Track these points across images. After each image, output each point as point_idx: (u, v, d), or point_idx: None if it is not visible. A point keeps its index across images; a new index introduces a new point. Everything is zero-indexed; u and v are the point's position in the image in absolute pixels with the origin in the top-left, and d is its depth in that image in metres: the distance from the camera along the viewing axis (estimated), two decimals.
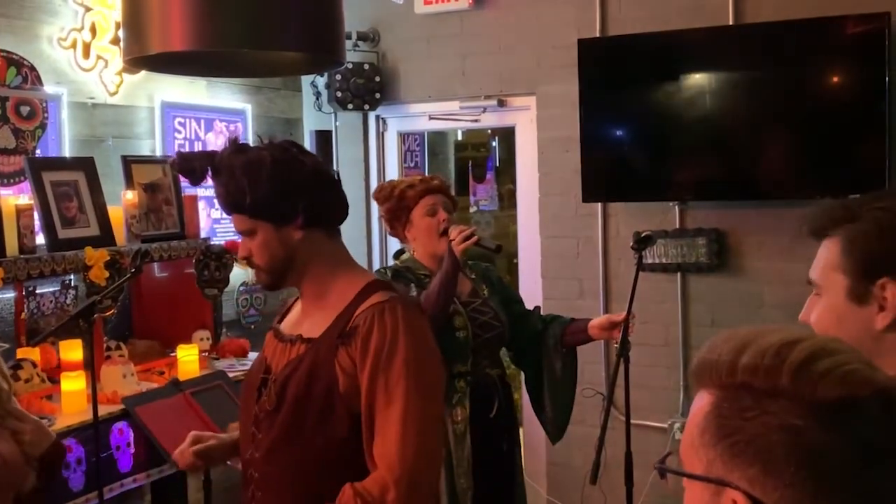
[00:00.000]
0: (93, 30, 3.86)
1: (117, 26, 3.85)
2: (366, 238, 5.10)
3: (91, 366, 2.96)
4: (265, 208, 1.96)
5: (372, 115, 5.07)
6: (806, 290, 1.43)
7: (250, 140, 4.73)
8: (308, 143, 5.17)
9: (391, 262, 3.34)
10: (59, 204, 3.40)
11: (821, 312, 1.38)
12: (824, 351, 0.86)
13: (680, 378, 4.25)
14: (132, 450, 3.15)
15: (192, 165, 2.03)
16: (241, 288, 4.62)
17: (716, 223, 4.16)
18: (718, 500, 0.86)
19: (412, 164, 5.30)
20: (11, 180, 3.49)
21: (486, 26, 4.65)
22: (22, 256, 3.15)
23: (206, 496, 3.01)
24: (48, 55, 3.71)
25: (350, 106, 4.81)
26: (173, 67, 3.28)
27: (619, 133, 4.31)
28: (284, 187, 1.96)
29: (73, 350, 3.34)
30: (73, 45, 3.79)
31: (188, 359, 3.60)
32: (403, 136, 5.21)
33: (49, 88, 3.66)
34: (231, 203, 1.99)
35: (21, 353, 3.33)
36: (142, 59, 2.87)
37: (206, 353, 3.80)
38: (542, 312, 3.37)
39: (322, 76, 4.86)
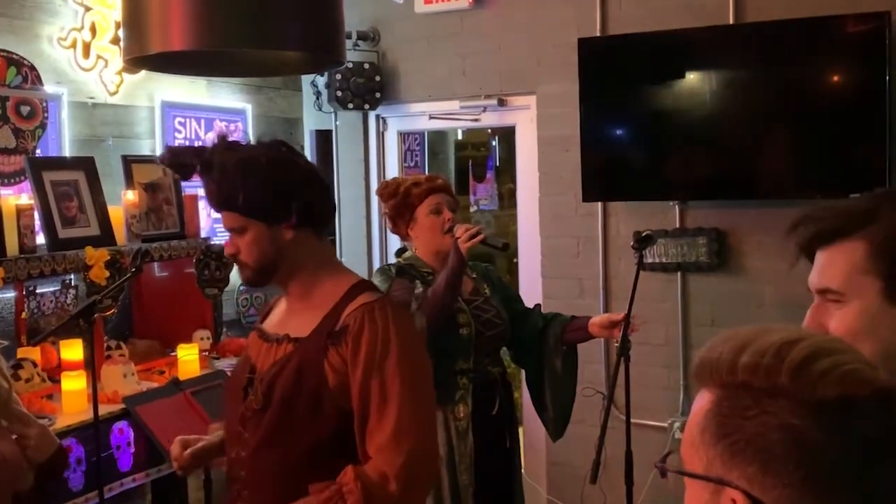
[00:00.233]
0: (93, 29, 3.86)
1: (117, 26, 3.85)
2: (366, 236, 5.10)
3: (91, 365, 2.96)
4: (259, 207, 1.97)
5: (372, 115, 5.07)
6: (806, 289, 1.40)
7: (250, 140, 4.75)
8: (308, 143, 5.18)
9: (392, 260, 3.34)
10: (59, 203, 3.40)
11: (849, 319, 1.30)
12: (824, 350, 0.86)
13: (680, 377, 4.25)
14: (132, 449, 3.15)
15: (183, 160, 2.03)
16: (242, 288, 4.62)
17: (716, 223, 4.15)
18: (718, 498, 0.87)
19: (412, 164, 5.30)
20: (12, 180, 3.49)
21: (486, 25, 4.65)
22: (22, 256, 3.15)
23: (206, 495, 3.01)
24: (48, 55, 3.71)
25: (350, 105, 4.81)
26: (173, 67, 3.27)
27: (619, 132, 4.31)
28: (279, 187, 1.98)
29: (73, 350, 3.35)
30: (74, 45, 3.80)
31: (188, 358, 3.61)
32: (403, 136, 5.21)
33: (49, 88, 3.67)
34: (223, 200, 1.99)
35: (21, 352, 3.33)
36: (142, 58, 2.86)
37: (207, 353, 3.81)
38: (542, 311, 3.38)
39: (322, 76, 4.86)
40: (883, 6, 3.66)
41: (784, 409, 0.84)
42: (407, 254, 3.25)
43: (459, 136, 6.87)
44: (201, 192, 4.01)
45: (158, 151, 4.17)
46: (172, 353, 3.73)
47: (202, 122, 4.50)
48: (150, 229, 3.73)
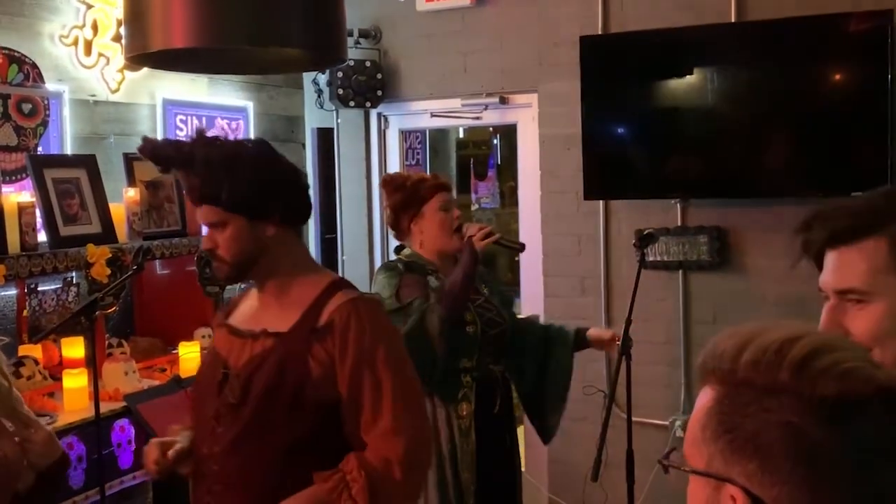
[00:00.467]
0: (94, 27, 3.86)
1: (119, 23, 3.85)
2: (367, 234, 5.10)
3: (93, 363, 2.96)
4: (243, 201, 1.98)
5: (373, 113, 5.07)
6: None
7: (252, 138, 4.75)
8: (310, 141, 5.19)
9: (392, 258, 3.35)
10: (60, 201, 3.41)
11: (875, 319, 1.27)
12: (825, 348, 0.85)
13: (681, 376, 4.25)
14: (133, 447, 3.15)
15: (164, 152, 2.03)
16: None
17: (717, 221, 4.15)
18: (718, 495, 0.87)
19: (414, 162, 5.30)
20: (13, 178, 3.49)
21: (487, 23, 4.65)
22: (24, 254, 3.15)
23: None
24: (50, 52, 3.71)
25: (352, 103, 4.81)
26: (175, 64, 3.27)
27: (620, 130, 4.31)
28: (265, 183, 2.01)
29: (74, 347, 3.35)
30: (75, 43, 3.80)
31: (190, 356, 3.61)
32: (405, 134, 5.20)
33: (51, 86, 3.67)
34: (206, 195, 1.99)
35: (23, 350, 3.33)
36: (143, 56, 2.87)
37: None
38: (543, 310, 3.40)
39: (324, 73, 4.86)
40: (886, 4, 3.66)
41: (784, 407, 0.84)
42: (406, 251, 3.24)
43: (461, 135, 6.87)
44: None
45: None
46: (174, 351, 3.73)
47: (203, 119, 4.50)
48: (152, 227, 3.73)
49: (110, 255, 3.37)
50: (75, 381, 3.20)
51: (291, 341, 1.98)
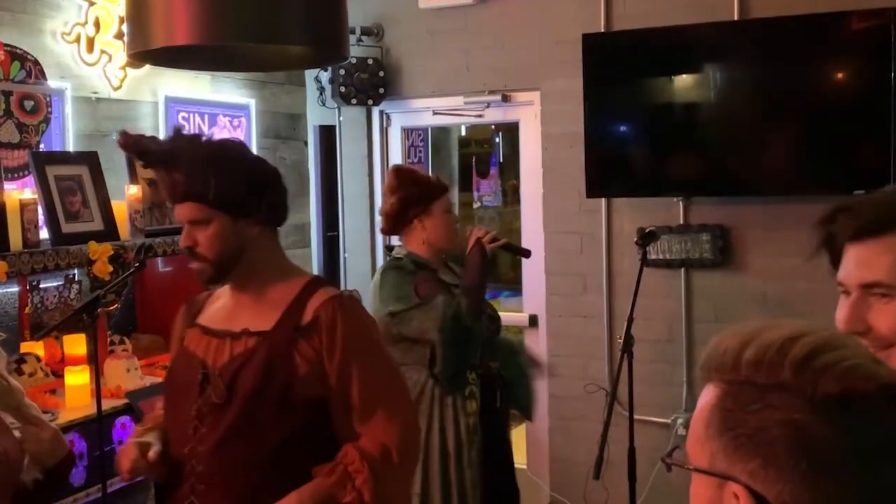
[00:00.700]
0: (96, 24, 3.86)
1: (121, 20, 3.85)
2: (369, 231, 5.10)
3: (95, 360, 2.96)
4: (230, 199, 1.98)
5: (376, 111, 5.07)
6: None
7: (254, 136, 4.75)
8: (312, 138, 5.19)
9: (382, 257, 3.38)
10: (62, 198, 3.41)
11: None
12: (827, 346, 0.85)
13: (683, 374, 4.25)
14: None
15: (145, 146, 2.02)
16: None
17: (720, 219, 4.15)
18: (721, 493, 0.87)
19: (416, 160, 5.29)
20: (15, 175, 3.49)
21: (489, 21, 4.64)
22: (26, 251, 3.15)
23: None
24: (52, 49, 3.71)
25: (354, 101, 4.81)
26: (177, 62, 3.26)
27: (623, 128, 4.30)
28: (251, 182, 2.02)
29: (76, 344, 3.35)
30: (77, 40, 3.79)
31: None
32: (407, 132, 5.20)
33: (53, 83, 3.67)
34: (191, 192, 1.98)
35: (25, 347, 3.34)
36: (145, 53, 2.86)
37: None
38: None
39: (326, 71, 4.86)
40: (888, 3, 3.65)
41: (786, 404, 0.84)
42: (401, 250, 3.24)
43: (463, 132, 6.86)
44: None
45: None
46: None
47: (206, 117, 4.50)
48: (154, 224, 3.74)
49: (112, 253, 3.37)
50: (77, 379, 3.20)
51: (276, 339, 1.99)
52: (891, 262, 1.26)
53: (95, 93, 3.91)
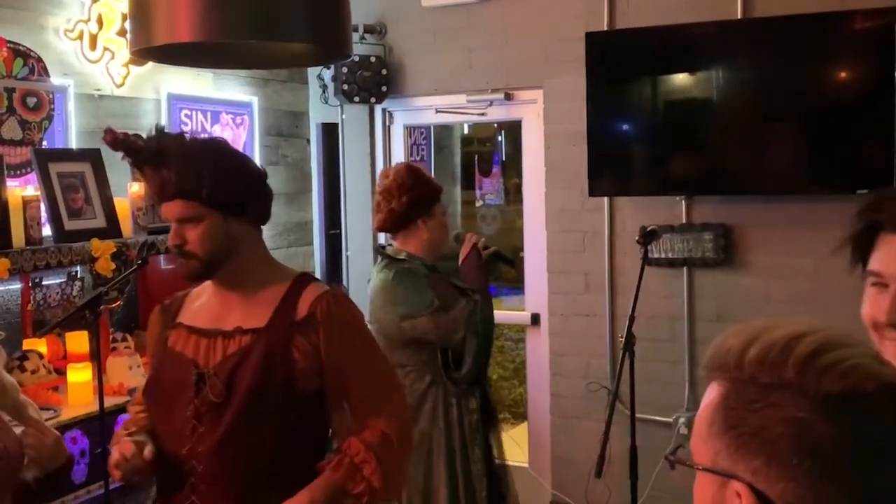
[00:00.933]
0: (99, 21, 3.86)
1: (124, 17, 3.85)
2: (371, 230, 5.09)
3: (97, 357, 2.97)
4: (223, 197, 1.98)
5: (378, 109, 5.07)
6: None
7: (256, 133, 4.75)
8: (314, 136, 5.18)
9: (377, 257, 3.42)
10: (65, 195, 3.41)
11: None
12: (831, 345, 0.85)
13: (685, 373, 4.25)
14: None
15: (136, 144, 2.00)
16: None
17: (722, 218, 4.15)
18: (724, 491, 0.87)
19: (418, 158, 5.30)
20: (18, 172, 3.50)
21: (492, 19, 4.64)
22: (28, 248, 3.16)
23: None
24: (55, 46, 3.71)
25: (356, 99, 4.81)
26: (180, 59, 3.26)
27: (625, 127, 4.30)
28: (245, 179, 2.03)
29: (79, 341, 3.36)
30: (80, 37, 3.80)
31: None
32: (410, 130, 5.20)
33: (56, 80, 3.67)
34: (183, 189, 1.96)
35: (27, 344, 3.34)
36: (148, 50, 2.86)
37: None
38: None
39: (328, 69, 4.85)
40: (892, 2, 3.64)
41: (789, 403, 0.84)
42: (400, 252, 3.23)
43: (466, 131, 6.86)
44: None
45: None
46: None
47: (208, 114, 4.50)
48: (156, 221, 3.74)
49: (115, 250, 3.38)
50: (79, 376, 3.21)
51: (272, 335, 1.99)
52: None
53: (98, 90, 3.91)
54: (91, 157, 3.58)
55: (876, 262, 1.31)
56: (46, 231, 3.34)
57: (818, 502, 0.83)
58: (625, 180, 4.29)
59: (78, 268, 3.59)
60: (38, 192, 3.32)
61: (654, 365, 4.15)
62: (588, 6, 4.37)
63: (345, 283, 4.97)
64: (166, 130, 2.03)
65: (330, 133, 5.13)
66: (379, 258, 3.28)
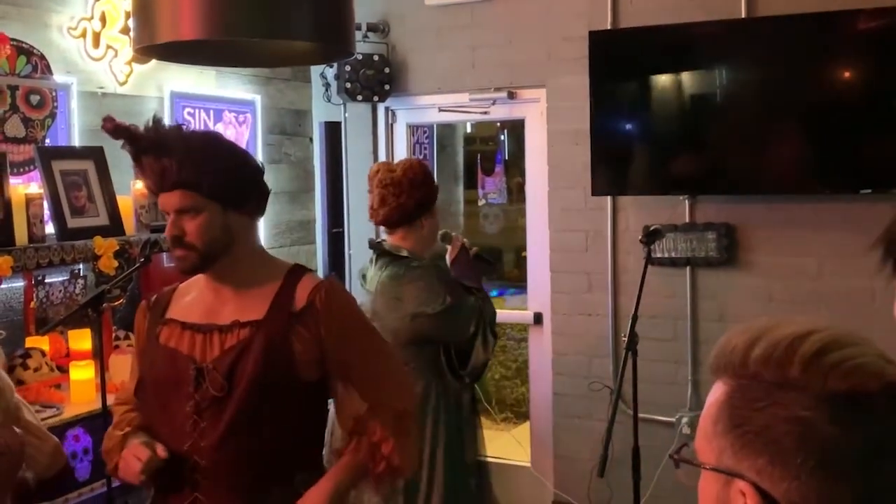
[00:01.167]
0: (102, 19, 3.86)
1: (127, 15, 3.85)
2: (375, 229, 5.09)
3: (100, 355, 2.97)
4: (223, 189, 1.98)
5: (381, 107, 5.06)
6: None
7: (259, 132, 4.75)
8: (317, 135, 5.18)
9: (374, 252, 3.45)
10: (68, 193, 3.41)
11: None
12: (836, 343, 0.85)
13: (688, 373, 4.24)
14: None
15: (138, 133, 1.99)
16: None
17: (726, 218, 4.14)
18: (729, 490, 0.87)
19: (421, 157, 5.29)
20: (21, 169, 3.50)
21: (496, 18, 4.64)
22: (31, 245, 3.16)
23: None
24: (58, 44, 3.72)
25: (359, 97, 4.80)
26: (183, 57, 3.27)
27: (629, 126, 4.29)
28: (245, 172, 2.03)
29: (81, 339, 3.36)
30: (83, 35, 3.80)
31: None
32: (412, 128, 5.20)
33: (59, 78, 3.67)
34: (183, 179, 1.95)
35: (30, 342, 3.34)
36: (151, 48, 2.86)
37: None
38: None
39: (332, 67, 4.85)
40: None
41: (794, 402, 0.83)
42: (397, 248, 3.23)
43: (468, 130, 6.85)
44: None
45: None
46: None
47: (211, 112, 4.50)
48: (159, 219, 3.73)
49: (118, 248, 3.38)
50: (82, 373, 3.21)
51: (271, 327, 1.99)
52: None
53: (101, 88, 3.91)
54: (94, 154, 3.58)
55: None
56: (49, 229, 3.34)
57: (822, 501, 0.82)
58: (628, 179, 4.29)
59: (81, 266, 3.59)
60: (41, 190, 3.32)
61: (656, 365, 4.15)
62: (592, 5, 4.36)
63: (347, 281, 4.97)
64: (164, 122, 2.03)
65: (333, 131, 5.13)
66: (376, 255, 3.26)
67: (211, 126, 4.49)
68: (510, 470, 4.76)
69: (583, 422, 4.46)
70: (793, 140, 3.93)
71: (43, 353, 3.29)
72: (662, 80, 4.15)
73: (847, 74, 3.87)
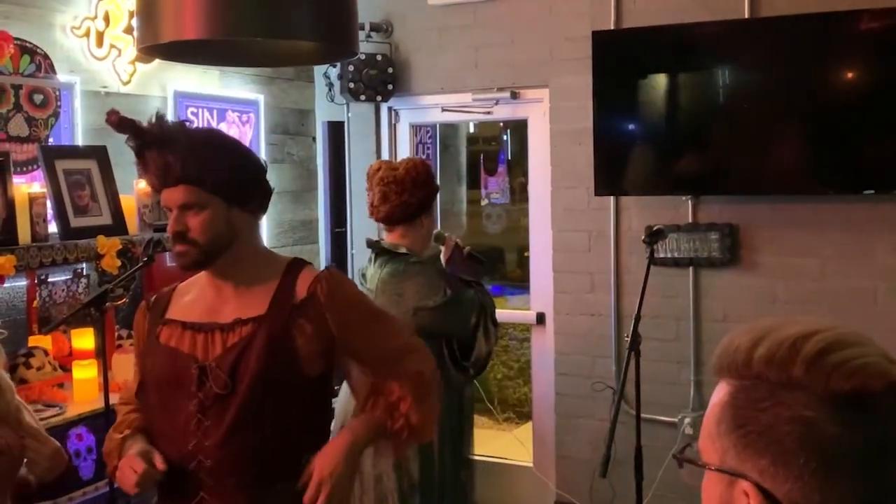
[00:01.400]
0: (106, 18, 3.87)
1: (131, 15, 3.85)
2: (377, 228, 5.08)
3: (102, 354, 2.97)
4: (227, 185, 1.97)
5: (384, 107, 5.06)
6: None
7: (262, 131, 4.75)
8: (320, 134, 5.18)
9: (363, 251, 3.54)
10: (71, 192, 3.41)
11: None
12: (839, 343, 0.85)
13: (691, 373, 4.23)
14: None
15: (142, 127, 1.98)
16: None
17: (729, 218, 4.14)
18: (732, 490, 0.86)
19: (424, 156, 5.29)
20: (24, 168, 3.50)
21: (498, 18, 4.63)
22: (34, 244, 3.16)
23: None
24: (62, 44, 3.72)
25: (362, 97, 4.80)
26: (186, 56, 3.27)
27: (631, 126, 4.29)
28: (249, 168, 2.03)
29: (84, 338, 3.36)
30: (87, 34, 3.80)
31: None
32: (415, 128, 5.20)
33: (62, 77, 3.67)
34: (188, 174, 1.94)
35: (33, 341, 3.34)
36: (155, 47, 2.86)
37: None
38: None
39: (335, 67, 4.85)
40: None
41: (797, 402, 0.83)
42: (396, 246, 3.24)
43: (471, 130, 6.86)
44: None
45: None
46: None
47: (214, 112, 4.50)
48: (162, 219, 3.73)
49: (120, 247, 3.38)
50: (85, 372, 3.21)
51: (273, 322, 1.98)
52: None
53: (105, 87, 3.91)
54: (97, 154, 3.58)
55: None
56: (52, 228, 3.34)
57: (825, 502, 0.82)
58: (631, 179, 4.28)
59: (84, 265, 3.60)
60: (45, 189, 3.32)
61: (659, 365, 4.15)
62: (595, 5, 4.36)
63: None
64: (167, 118, 2.03)
65: (336, 131, 5.12)
66: (375, 254, 3.28)
67: (214, 125, 4.49)
68: (512, 470, 4.76)
69: (585, 422, 4.46)
70: (796, 140, 3.93)
71: (46, 353, 3.29)
72: (665, 80, 4.15)
73: (850, 75, 3.87)
